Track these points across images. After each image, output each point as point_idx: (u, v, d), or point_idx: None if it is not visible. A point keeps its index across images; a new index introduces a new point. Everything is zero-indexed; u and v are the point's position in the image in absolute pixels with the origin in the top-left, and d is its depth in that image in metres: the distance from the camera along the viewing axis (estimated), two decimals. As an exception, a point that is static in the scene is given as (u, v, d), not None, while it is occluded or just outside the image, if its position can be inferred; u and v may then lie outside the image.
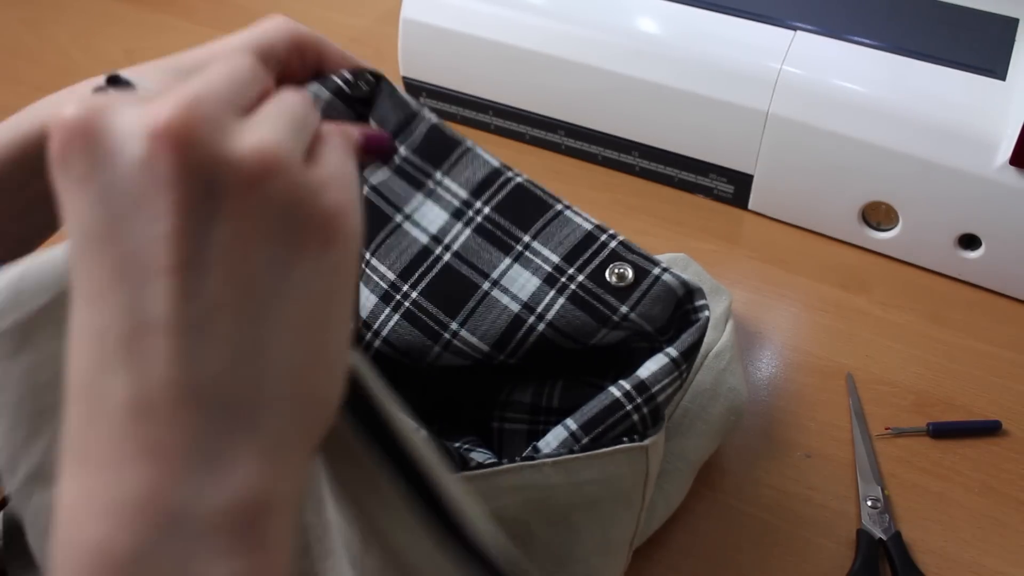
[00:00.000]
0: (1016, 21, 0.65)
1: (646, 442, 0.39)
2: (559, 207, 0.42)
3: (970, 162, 0.58)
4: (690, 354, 0.40)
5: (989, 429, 0.55)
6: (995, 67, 0.61)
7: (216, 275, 0.22)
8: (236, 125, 0.23)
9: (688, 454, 0.48)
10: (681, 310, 0.41)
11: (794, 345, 0.60)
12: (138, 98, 0.23)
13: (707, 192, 0.70)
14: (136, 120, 0.22)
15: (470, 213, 0.42)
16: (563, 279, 0.41)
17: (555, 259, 0.41)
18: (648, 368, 0.39)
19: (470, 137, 0.43)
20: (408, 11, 0.71)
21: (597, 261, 0.41)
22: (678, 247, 0.65)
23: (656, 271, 0.41)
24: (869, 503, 0.50)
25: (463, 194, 0.42)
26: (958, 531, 0.50)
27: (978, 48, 0.62)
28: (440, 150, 0.43)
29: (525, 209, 0.42)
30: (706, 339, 0.51)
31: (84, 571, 0.21)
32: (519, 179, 0.43)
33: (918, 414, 0.56)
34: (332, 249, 0.24)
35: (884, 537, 0.49)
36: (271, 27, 0.38)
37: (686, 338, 0.40)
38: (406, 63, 0.74)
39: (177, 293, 0.22)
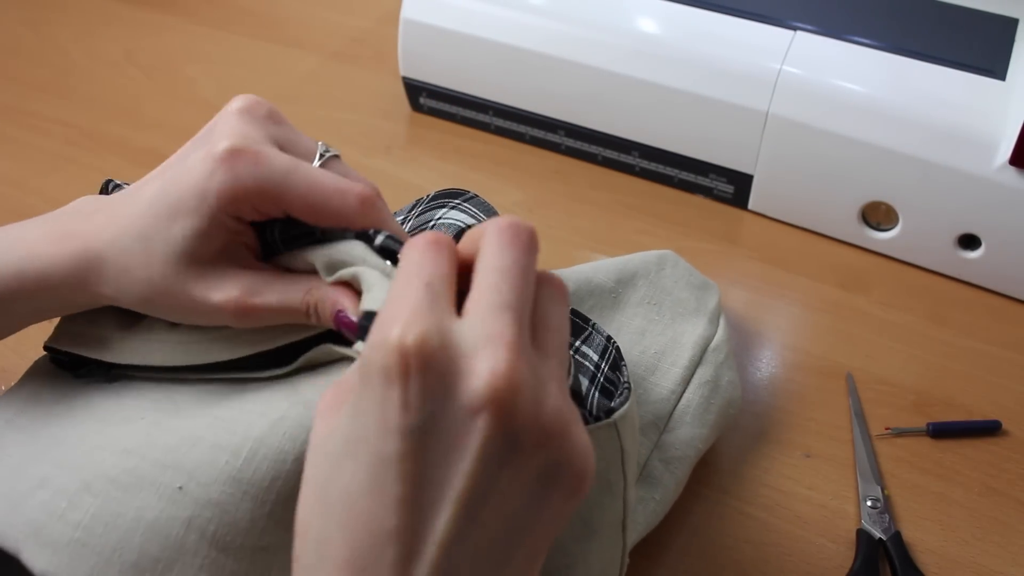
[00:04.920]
0: (1016, 21, 0.65)
1: (613, 417, 0.38)
2: None
3: (970, 162, 0.58)
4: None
5: (989, 429, 0.55)
6: (995, 67, 0.61)
7: (490, 507, 0.26)
8: (540, 388, 0.27)
9: (697, 443, 0.49)
10: None
11: (794, 345, 0.60)
12: (463, 333, 0.27)
13: (707, 192, 0.70)
14: (476, 378, 0.26)
15: None
16: None
17: None
18: None
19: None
20: (408, 11, 0.71)
21: None
22: (678, 247, 0.65)
23: None
24: (869, 503, 0.50)
25: None
26: (958, 531, 0.50)
27: (978, 48, 0.63)
28: None
29: None
30: (704, 334, 0.52)
31: None
32: None
33: (918, 414, 0.56)
34: (577, 496, 0.28)
35: (884, 537, 0.49)
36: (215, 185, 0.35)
37: None
38: (406, 63, 0.74)
39: (459, 518, 0.26)
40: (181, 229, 0.35)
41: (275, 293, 0.36)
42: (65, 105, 0.77)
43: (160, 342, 0.39)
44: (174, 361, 0.38)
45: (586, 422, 0.37)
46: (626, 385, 0.40)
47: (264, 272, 0.37)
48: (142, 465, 0.35)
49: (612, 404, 0.38)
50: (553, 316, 0.30)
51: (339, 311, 0.35)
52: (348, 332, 0.35)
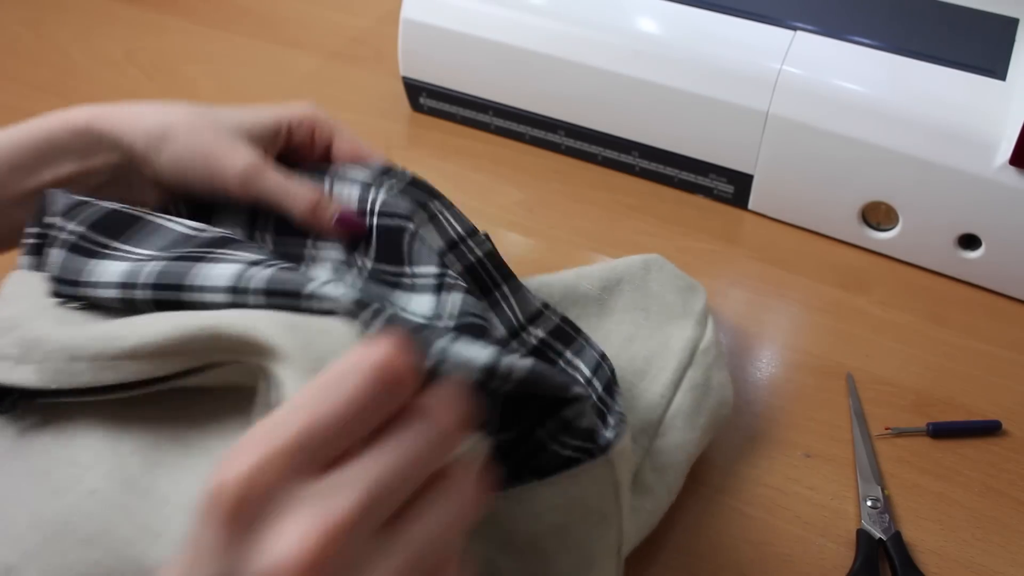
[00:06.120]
0: (1016, 21, 0.65)
1: (610, 454, 0.37)
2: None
3: (970, 162, 0.58)
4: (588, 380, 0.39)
5: (989, 429, 0.55)
6: (995, 67, 0.61)
7: None
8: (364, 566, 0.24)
9: (688, 448, 0.48)
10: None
11: (794, 345, 0.60)
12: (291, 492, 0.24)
13: (707, 192, 0.70)
14: (279, 544, 0.23)
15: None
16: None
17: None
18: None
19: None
20: (408, 11, 0.71)
21: None
22: (678, 247, 0.65)
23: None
24: (869, 503, 0.50)
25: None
26: (958, 531, 0.50)
27: (978, 48, 0.63)
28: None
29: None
30: (692, 336, 0.52)
31: None
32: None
33: (918, 414, 0.56)
34: None
35: (884, 537, 0.49)
36: (298, 110, 0.49)
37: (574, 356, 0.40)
38: (406, 63, 0.74)
39: None
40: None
41: (286, 176, 0.44)
42: (65, 105, 0.77)
43: (94, 340, 0.34)
44: (103, 379, 0.34)
45: (592, 455, 0.36)
46: (620, 416, 0.39)
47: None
48: (105, 560, 0.33)
49: (609, 437, 0.37)
50: (430, 521, 0.25)
51: (343, 212, 0.42)
52: (349, 227, 0.43)
